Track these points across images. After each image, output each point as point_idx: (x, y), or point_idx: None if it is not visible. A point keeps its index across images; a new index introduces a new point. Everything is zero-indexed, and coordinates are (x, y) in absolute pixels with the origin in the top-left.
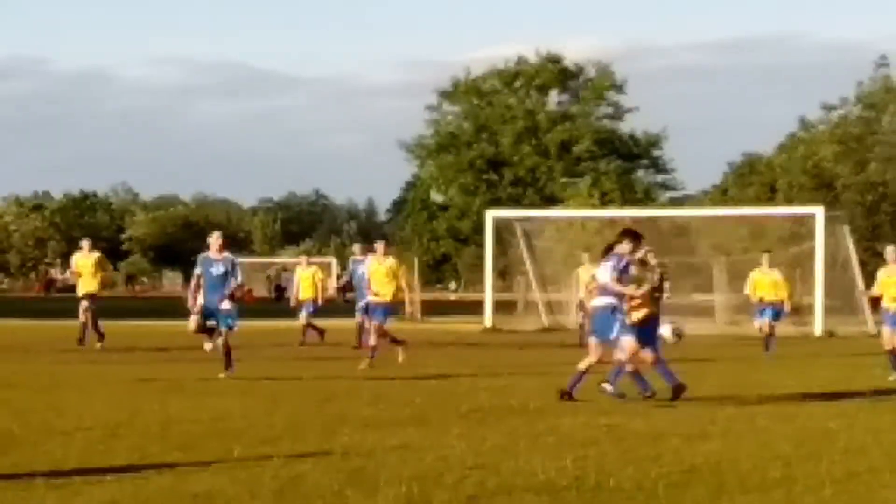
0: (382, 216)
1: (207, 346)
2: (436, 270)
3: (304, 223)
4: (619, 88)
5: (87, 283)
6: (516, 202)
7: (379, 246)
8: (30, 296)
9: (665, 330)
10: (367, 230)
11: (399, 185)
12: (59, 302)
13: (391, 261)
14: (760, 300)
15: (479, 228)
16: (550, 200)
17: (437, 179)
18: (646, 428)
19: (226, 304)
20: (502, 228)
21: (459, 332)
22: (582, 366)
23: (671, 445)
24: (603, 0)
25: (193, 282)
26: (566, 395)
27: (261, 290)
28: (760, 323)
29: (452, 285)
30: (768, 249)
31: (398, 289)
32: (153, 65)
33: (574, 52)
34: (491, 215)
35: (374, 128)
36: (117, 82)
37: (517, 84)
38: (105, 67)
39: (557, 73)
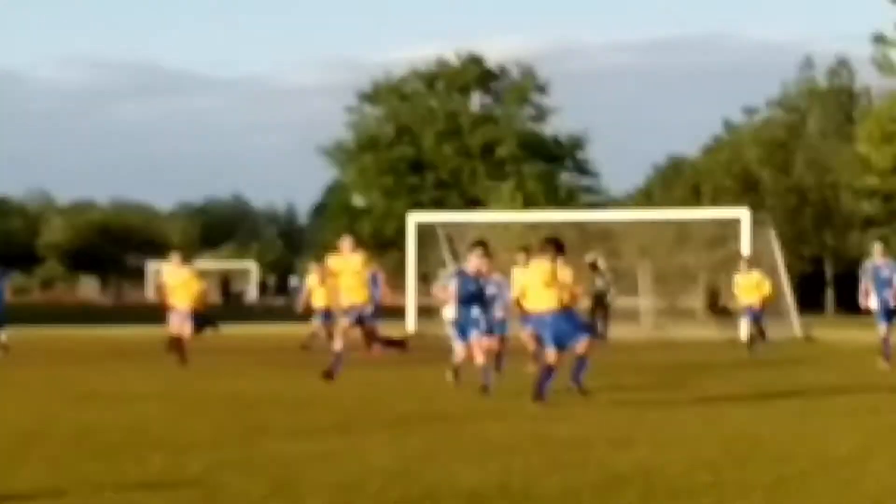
0: (303, 220)
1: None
2: None
3: (224, 228)
4: (542, 90)
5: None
6: (439, 205)
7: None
8: None
9: None
10: (288, 234)
11: (319, 188)
12: None
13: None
14: (743, 304)
15: (402, 232)
16: (474, 203)
17: (359, 183)
18: (571, 434)
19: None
20: (425, 232)
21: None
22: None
23: (597, 452)
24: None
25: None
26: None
27: None
28: (747, 325)
29: None
30: (743, 253)
31: None
32: (65, 66)
33: (496, 52)
34: (413, 219)
35: (292, 129)
36: (29, 84)
37: (438, 85)
38: (15, 68)
39: (479, 75)
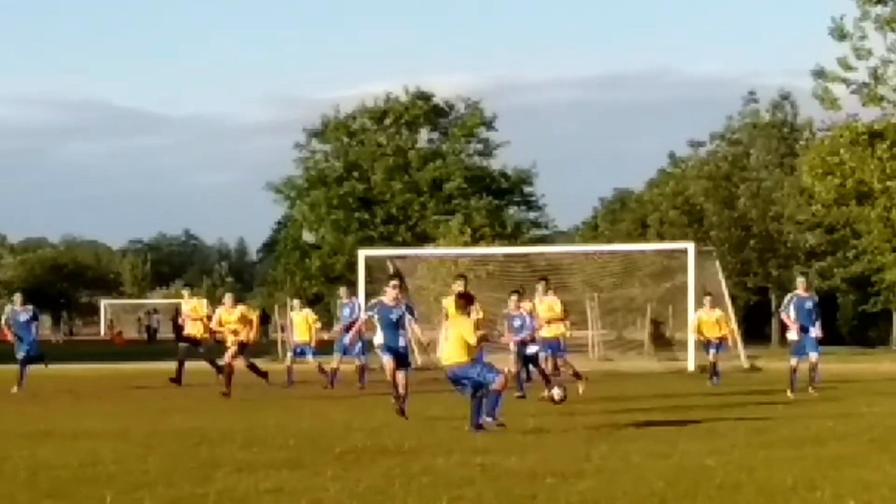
0: (254, 256)
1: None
2: None
3: (175, 264)
4: (488, 125)
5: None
6: (388, 240)
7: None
8: None
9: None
10: (239, 270)
11: (270, 225)
12: None
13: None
14: (706, 339)
15: (351, 267)
16: (423, 238)
17: (309, 219)
18: (521, 466)
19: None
20: (375, 267)
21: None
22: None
23: (546, 484)
24: (472, 36)
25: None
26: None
27: (131, 332)
28: (710, 357)
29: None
30: (709, 293)
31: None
32: (17, 105)
33: (443, 89)
34: (363, 254)
35: (242, 167)
36: None
37: (387, 122)
38: None
39: (427, 111)
